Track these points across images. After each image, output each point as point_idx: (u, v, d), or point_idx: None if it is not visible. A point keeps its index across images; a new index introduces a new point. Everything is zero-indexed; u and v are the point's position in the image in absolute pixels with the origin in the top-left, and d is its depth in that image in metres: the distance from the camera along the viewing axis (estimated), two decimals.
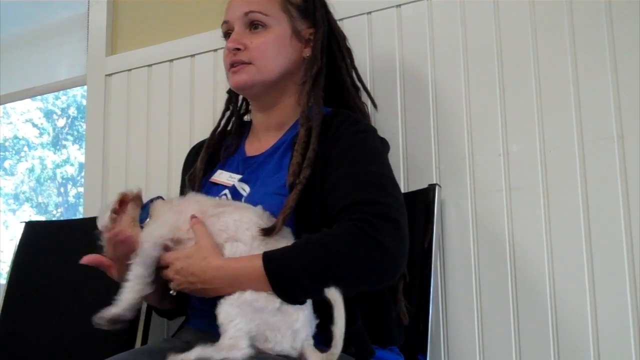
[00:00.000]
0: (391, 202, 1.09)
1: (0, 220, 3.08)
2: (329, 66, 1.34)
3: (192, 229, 1.11)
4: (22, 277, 1.81)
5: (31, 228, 1.89)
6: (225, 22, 1.32)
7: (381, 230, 1.04)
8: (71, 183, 3.28)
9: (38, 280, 1.78)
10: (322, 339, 1.03)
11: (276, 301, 1.01)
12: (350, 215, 1.07)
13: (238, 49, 1.26)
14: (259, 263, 1.03)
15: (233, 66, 1.27)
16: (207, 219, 1.12)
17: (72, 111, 3.29)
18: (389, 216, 1.07)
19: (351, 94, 1.37)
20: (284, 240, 1.10)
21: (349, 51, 1.40)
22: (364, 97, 1.44)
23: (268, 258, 1.04)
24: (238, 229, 1.10)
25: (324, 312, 1.04)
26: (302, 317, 1.01)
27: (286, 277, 1.03)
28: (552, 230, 1.36)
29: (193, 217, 1.12)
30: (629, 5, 1.35)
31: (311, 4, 1.34)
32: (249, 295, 1.00)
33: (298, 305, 1.02)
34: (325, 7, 1.37)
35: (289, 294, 1.02)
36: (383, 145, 1.26)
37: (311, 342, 1.02)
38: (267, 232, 1.10)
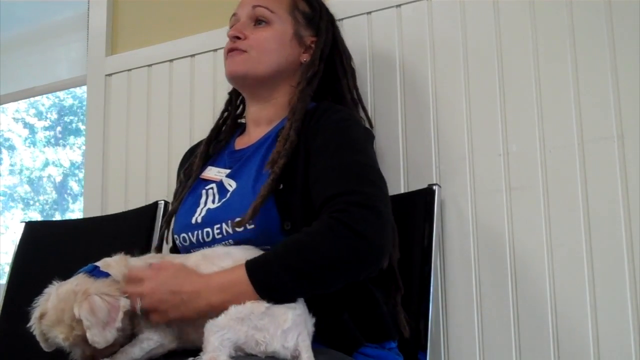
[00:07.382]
0: (372, 191, 1.10)
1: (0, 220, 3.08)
2: (330, 78, 1.38)
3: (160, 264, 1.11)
4: (22, 277, 1.81)
5: (31, 228, 1.89)
6: (234, 14, 1.38)
7: (358, 218, 1.05)
8: (65, 182, 3.26)
9: (38, 280, 1.78)
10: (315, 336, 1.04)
11: (262, 306, 1.01)
12: (330, 207, 1.08)
13: (238, 38, 1.32)
14: (242, 272, 1.04)
15: (230, 52, 1.32)
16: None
17: (64, 110, 3.27)
18: (368, 204, 1.07)
19: (349, 105, 1.39)
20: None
21: (352, 71, 1.44)
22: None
23: (250, 265, 1.05)
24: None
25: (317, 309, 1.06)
26: (291, 316, 1.00)
27: (270, 281, 1.03)
28: (552, 230, 1.36)
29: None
30: (629, 5, 1.35)
31: (317, 13, 1.39)
32: (233, 309, 1.00)
33: (288, 305, 1.02)
34: (331, 21, 1.42)
35: (275, 296, 1.02)
36: (367, 135, 1.28)
37: (306, 341, 1.01)
38: (239, 223, 1.14)
